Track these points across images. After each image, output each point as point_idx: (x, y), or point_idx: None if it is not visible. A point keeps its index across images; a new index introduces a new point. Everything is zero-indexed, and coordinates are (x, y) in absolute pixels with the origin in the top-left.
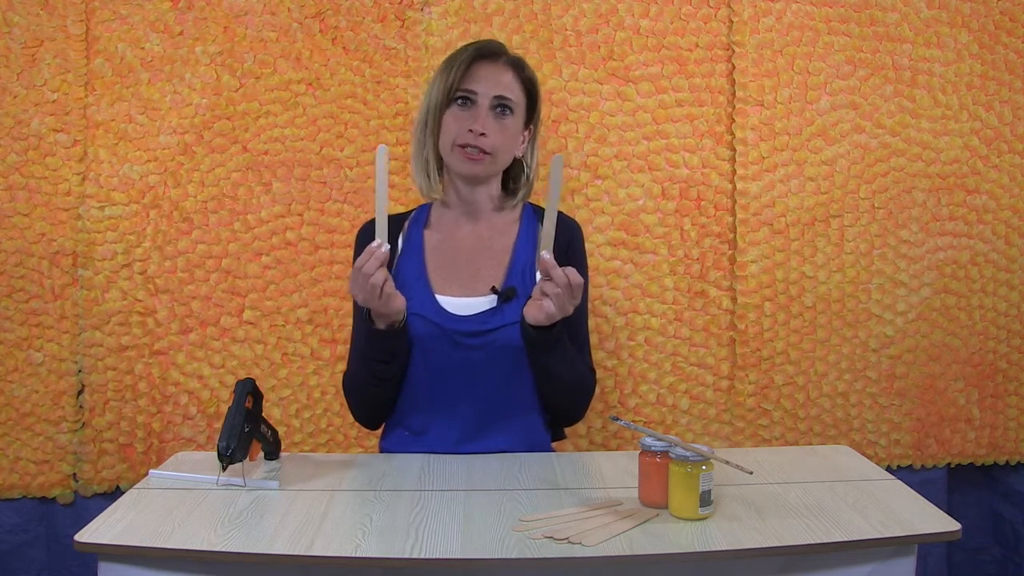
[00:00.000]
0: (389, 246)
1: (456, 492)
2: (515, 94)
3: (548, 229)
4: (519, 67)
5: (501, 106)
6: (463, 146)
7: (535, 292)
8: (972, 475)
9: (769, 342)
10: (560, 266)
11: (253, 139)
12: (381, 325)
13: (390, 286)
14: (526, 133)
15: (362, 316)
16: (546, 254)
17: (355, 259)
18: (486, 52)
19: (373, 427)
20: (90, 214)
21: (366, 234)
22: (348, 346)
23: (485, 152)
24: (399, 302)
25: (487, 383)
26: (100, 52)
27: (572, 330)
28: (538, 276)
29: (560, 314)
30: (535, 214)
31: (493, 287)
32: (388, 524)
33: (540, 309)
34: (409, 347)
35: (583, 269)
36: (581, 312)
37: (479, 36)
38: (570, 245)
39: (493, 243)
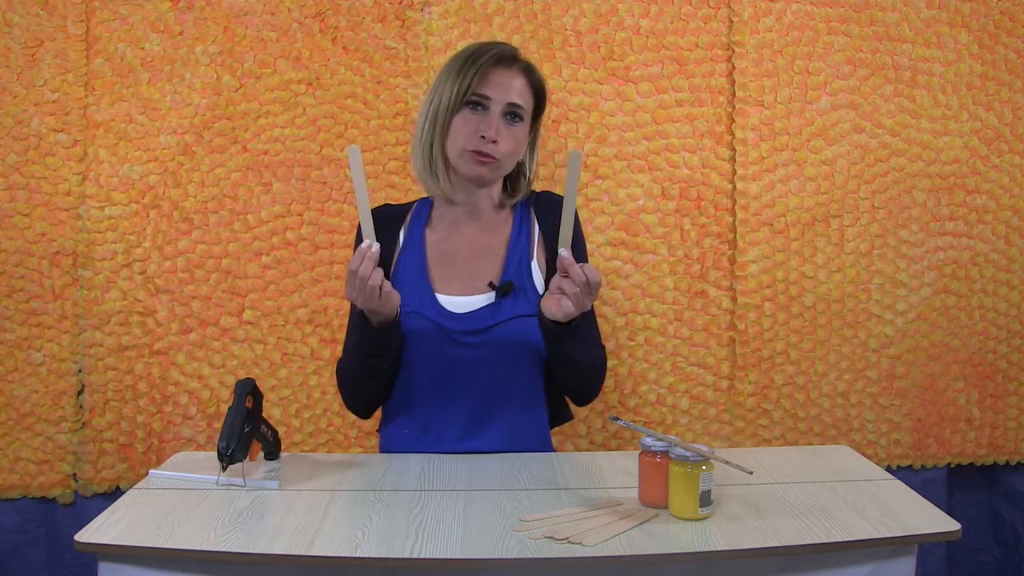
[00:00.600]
0: (379, 245)
1: (456, 492)
2: (526, 101)
3: (566, 226)
4: (530, 72)
5: (512, 113)
6: (473, 151)
7: (552, 287)
8: (972, 475)
9: (769, 342)
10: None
11: (253, 139)
12: (374, 321)
13: (387, 285)
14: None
15: (356, 311)
16: (564, 251)
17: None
18: (502, 57)
19: (364, 416)
20: (90, 214)
21: None
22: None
23: (494, 158)
24: (396, 299)
25: (487, 379)
26: (100, 52)
27: None
28: (533, 268)
29: (578, 311)
30: (528, 206)
31: (491, 283)
32: (388, 524)
33: (558, 305)
34: (402, 341)
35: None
36: None
37: (479, 36)
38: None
39: (490, 240)
